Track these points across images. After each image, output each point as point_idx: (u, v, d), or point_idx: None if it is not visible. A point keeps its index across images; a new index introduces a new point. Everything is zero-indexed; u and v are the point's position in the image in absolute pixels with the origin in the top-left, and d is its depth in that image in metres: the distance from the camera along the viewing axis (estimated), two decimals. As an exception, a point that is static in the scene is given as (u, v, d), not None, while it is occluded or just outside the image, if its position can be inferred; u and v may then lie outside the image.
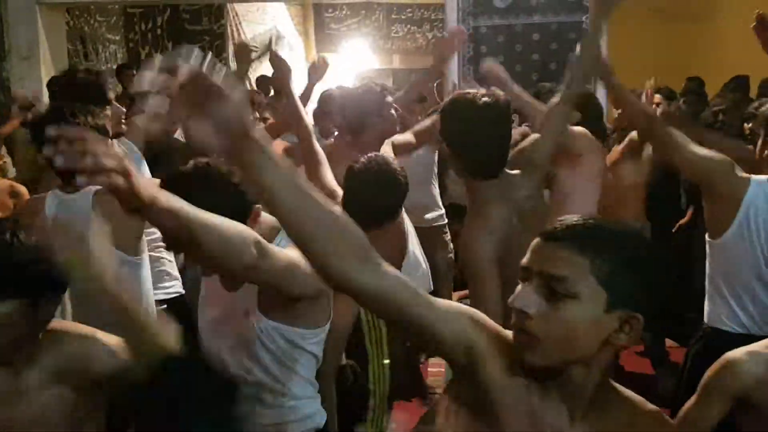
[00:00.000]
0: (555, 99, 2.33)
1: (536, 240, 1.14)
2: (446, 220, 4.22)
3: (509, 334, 1.16)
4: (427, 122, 3.18)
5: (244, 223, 1.55)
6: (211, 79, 0.95)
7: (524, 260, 1.14)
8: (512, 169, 2.16)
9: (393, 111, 2.93)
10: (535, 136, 2.30)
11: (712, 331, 2.41)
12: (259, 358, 1.73)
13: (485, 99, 2.05)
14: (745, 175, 2.33)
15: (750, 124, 3.36)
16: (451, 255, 4.16)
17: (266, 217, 1.76)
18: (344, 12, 9.00)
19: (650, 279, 1.11)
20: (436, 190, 4.23)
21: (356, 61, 9.01)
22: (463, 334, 1.15)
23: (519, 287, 1.13)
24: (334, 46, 9.50)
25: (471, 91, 2.11)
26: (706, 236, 2.43)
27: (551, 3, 5.02)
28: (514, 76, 5.02)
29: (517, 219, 2.09)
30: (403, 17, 9.09)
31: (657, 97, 4.51)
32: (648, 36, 8.19)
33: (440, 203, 4.23)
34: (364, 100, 2.84)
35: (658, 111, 4.20)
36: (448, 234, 4.21)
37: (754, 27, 2.81)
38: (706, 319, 2.46)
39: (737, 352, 1.68)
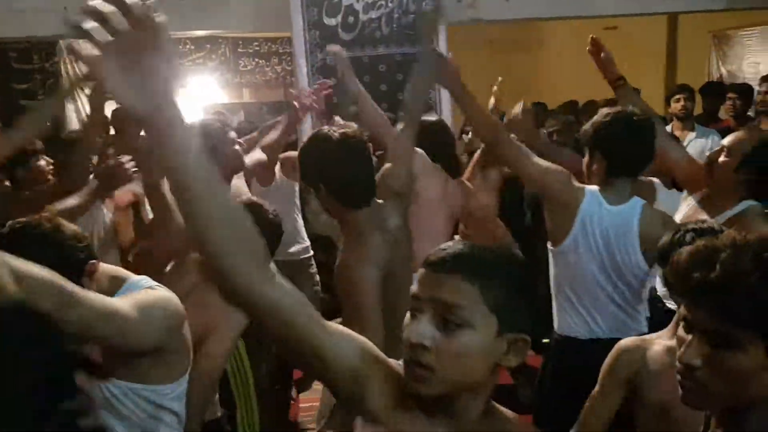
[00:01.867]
0: (400, 124, 2.42)
1: (423, 270, 1.15)
2: (311, 252, 4.20)
3: (396, 363, 1.17)
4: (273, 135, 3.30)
5: (78, 279, 1.47)
6: (156, 24, 0.90)
7: (414, 290, 1.14)
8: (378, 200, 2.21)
9: (237, 147, 2.93)
10: (387, 165, 2.35)
11: (563, 339, 2.55)
12: (114, 429, 1.61)
13: (341, 132, 2.12)
14: (580, 185, 2.52)
15: (582, 142, 3.64)
16: (318, 287, 4.15)
17: (106, 269, 1.67)
18: (188, 47, 8.79)
19: (532, 299, 1.16)
20: (300, 222, 4.21)
21: (204, 96, 8.82)
22: (353, 360, 1.15)
23: (408, 320, 1.13)
24: (181, 81, 9.24)
25: (325, 128, 2.20)
26: (549, 245, 2.57)
27: (395, 35, 5.19)
28: (365, 107, 5.18)
29: (391, 248, 2.12)
30: (250, 51, 9.03)
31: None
32: (482, 66, 8.71)
33: (305, 235, 4.21)
34: (205, 137, 2.79)
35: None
36: (314, 266, 4.19)
37: (589, 50, 3.05)
38: (556, 328, 2.60)
39: (629, 340, 1.81)
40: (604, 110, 2.55)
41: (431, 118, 3.55)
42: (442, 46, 5.21)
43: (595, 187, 2.50)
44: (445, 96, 5.29)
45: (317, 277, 4.17)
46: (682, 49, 8.41)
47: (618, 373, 1.81)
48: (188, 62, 9.10)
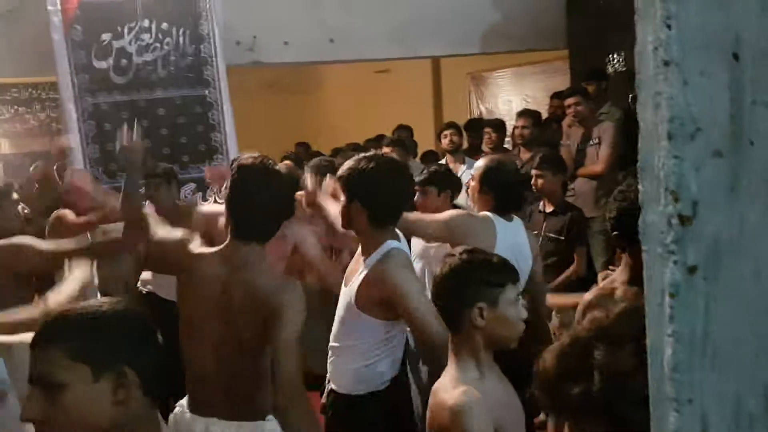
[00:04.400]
0: None
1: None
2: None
3: None
4: None
5: None
6: None
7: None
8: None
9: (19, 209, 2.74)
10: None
11: None
12: None
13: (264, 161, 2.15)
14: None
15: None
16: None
17: None
18: (-70, 94, 7.83)
19: (113, 330, 1.22)
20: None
21: (-46, 149, 7.88)
22: None
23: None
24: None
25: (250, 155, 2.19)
26: None
27: (172, 78, 5.08)
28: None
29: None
30: (8, 98, 8.24)
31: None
32: (261, 107, 8.82)
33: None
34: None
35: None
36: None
37: None
38: None
39: (592, 292, 2.07)
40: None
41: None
42: (222, 88, 5.21)
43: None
44: (231, 138, 5.27)
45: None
46: (446, 89, 9.19)
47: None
48: (-70, 111, 8.10)
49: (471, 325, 1.72)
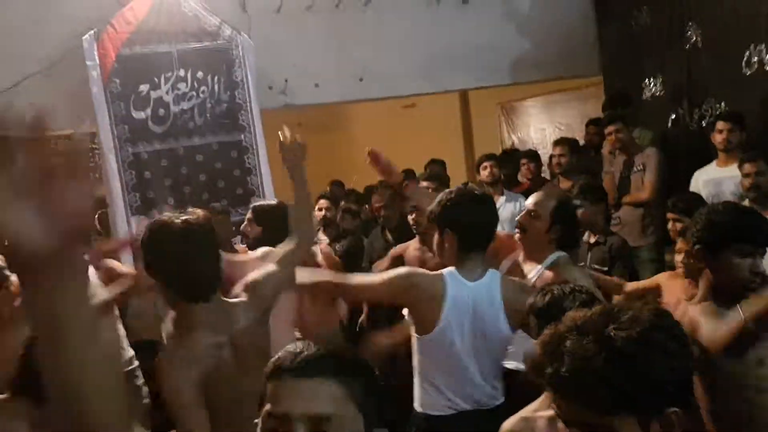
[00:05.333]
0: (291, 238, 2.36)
1: (281, 379, 1.08)
2: (136, 363, 3.87)
3: None
4: None
5: None
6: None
7: (279, 407, 1.06)
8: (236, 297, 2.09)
9: None
10: (269, 268, 2.25)
11: (427, 416, 2.55)
12: None
13: (183, 218, 1.97)
14: (433, 273, 2.51)
15: (413, 215, 3.80)
16: (146, 400, 3.81)
17: None
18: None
19: (383, 389, 1.16)
20: (122, 332, 3.88)
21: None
22: None
23: None
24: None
25: (167, 214, 2.02)
26: (414, 334, 2.55)
27: (209, 124, 5.13)
28: (184, 198, 5.03)
29: (230, 351, 2.00)
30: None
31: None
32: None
33: (126, 344, 3.87)
34: None
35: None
36: (140, 377, 3.86)
37: (369, 162, 3.17)
38: (418, 406, 2.58)
39: (512, 420, 1.82)
40: (447, 190, 2.60)
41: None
42: (257, 132, 5.25)
43: (450, 269, 2.49)
44: (267, 181, 5.30)
45: (145, 389, 3.83)
46: (475, 120, 9.17)
47: None
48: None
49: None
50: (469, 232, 2.47)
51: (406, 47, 5.98)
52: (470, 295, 2.45)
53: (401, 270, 2.56)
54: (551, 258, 2.72)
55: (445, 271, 2.49)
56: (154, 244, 1.97)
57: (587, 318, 1.11)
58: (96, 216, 7.06)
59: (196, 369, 1.89)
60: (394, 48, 5.94)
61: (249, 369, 1.90)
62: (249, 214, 4.04)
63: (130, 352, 3.86)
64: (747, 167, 3.82)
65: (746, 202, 3.73)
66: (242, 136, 5.24)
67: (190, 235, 1.95)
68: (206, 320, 1.98)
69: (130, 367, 3.81)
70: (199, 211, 2.04)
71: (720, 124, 4.28)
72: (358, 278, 2.70)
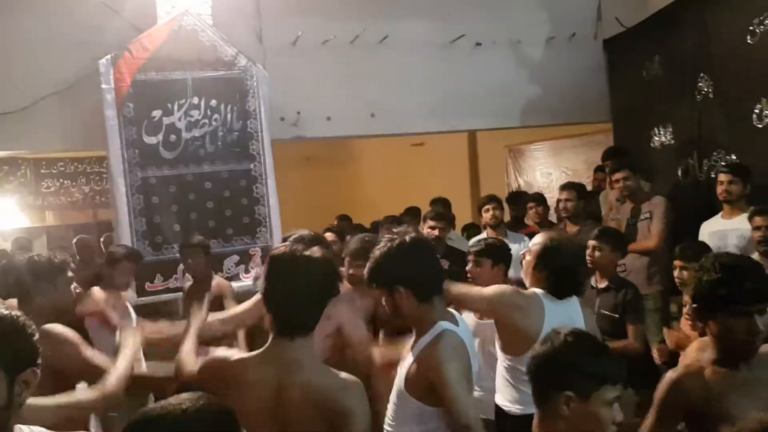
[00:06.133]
0: None
1: None
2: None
3: None
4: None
5: None
6: None
7: None
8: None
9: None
10: None
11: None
12: None
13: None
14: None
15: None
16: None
17: None
18: (-20, 168, 8.06)
19: None
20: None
21: (2, 221, 8.06)
22: None
23: None
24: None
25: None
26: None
27: (220, 152, 5.16)
28: (191, 224, 5.03)
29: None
30: (55, 171, 8.45)
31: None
32: (299, 180, 8.92)
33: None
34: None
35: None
36: None
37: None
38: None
39: (677, 370, 1.94)
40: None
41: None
42: (267, 162, 5.27)
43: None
44: (274, 211, 5.30)
45: None
46: (482, 161, 9.22)
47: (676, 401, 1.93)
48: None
49: (554, 410, 1.63)
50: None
51: (419, 86, 6.04)
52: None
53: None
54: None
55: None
56: (274, 277, 2.00)
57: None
58: (101, 240, 7.06)
59: None
60: (406, 86, 6.01)
61: None
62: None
63: None
64: (758, 220, 3.81)
65: (756, 256, 3.71)
66: (252, 165, 5.25)
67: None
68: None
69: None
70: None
71: (721, 176, 4.29)
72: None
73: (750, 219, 3.89)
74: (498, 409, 2.97)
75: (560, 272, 2.82)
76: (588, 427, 1.63)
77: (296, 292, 1.92)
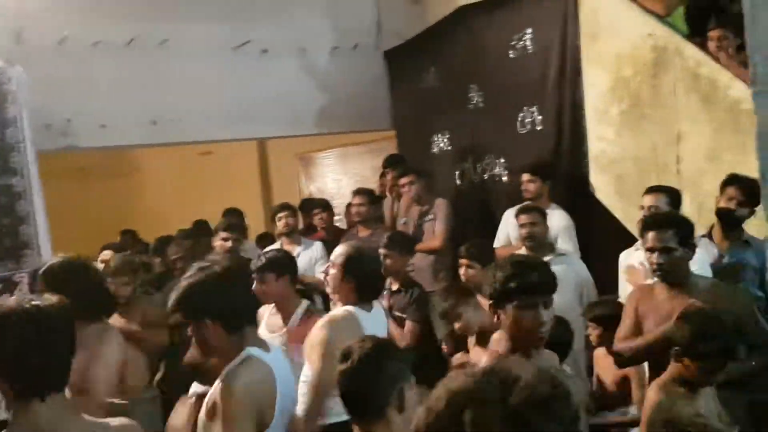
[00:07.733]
0: None
1: None
2: None
3: None
4: None
5: None
6: None
7: None
8: None
9: None
10: None
11: None
12: None
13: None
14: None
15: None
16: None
17: None
18: None
19: None
20: None
21: None
22: None
23: None
24: None
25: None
26: None
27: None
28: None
29: None
30: None
31: None
32: (72, 194, 8.19)
33: None
34: None
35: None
36: None
37: None
38: None
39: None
40: None
41: None
42: (32, 176, 4.74)
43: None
44: (43, 230, 4.79)
45: None
46: (274, 170, 9.15)
47: None
48: None
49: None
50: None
51: (204, 92, 5.82)
52: None
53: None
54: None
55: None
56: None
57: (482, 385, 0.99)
58: None
59: None
60: (190, 92, 5.75)
61: None
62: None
63: None
64: (522, 218, 4.15)
65: (522, 250, 4.06)
66: (14, 180, 4.68)
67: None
68: None
69: None
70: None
71: (523, 176, 4.58)
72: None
73: (516, 217, 4.25)
74: None
75: (366, 278, 2.89)
76: None
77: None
